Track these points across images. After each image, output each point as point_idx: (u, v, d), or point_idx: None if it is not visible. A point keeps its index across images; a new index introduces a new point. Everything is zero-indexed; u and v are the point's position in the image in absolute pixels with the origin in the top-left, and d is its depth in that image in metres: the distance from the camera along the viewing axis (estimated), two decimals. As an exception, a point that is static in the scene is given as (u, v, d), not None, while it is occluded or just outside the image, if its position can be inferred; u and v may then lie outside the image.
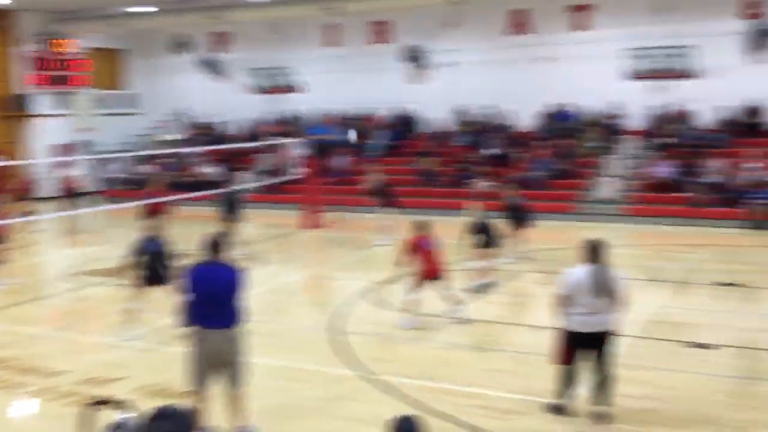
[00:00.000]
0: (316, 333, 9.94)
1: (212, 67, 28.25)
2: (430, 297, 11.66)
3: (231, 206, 15.36)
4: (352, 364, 8.46)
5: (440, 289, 10.17)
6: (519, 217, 14.12)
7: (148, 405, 3.04)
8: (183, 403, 6.16)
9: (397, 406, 7.05)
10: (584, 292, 6.61)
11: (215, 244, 6.40)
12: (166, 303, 11.53)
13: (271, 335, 9.75)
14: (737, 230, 17.55)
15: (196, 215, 19.16)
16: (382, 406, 7.18)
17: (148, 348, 9.33)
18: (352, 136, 21.89)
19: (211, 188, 20.10)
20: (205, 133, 27.94)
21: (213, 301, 6.24)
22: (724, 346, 8.93)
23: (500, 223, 12.86)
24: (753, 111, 20.70)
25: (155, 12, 25.95)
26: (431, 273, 10.03)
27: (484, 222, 12.10)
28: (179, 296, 6.44)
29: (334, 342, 9.35)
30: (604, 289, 6.59)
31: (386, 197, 16.71)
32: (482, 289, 11.76)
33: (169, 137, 28.69)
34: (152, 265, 9.55)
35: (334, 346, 9.18)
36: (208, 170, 25.10)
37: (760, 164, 18.71)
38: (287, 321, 10.85)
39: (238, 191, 14.65)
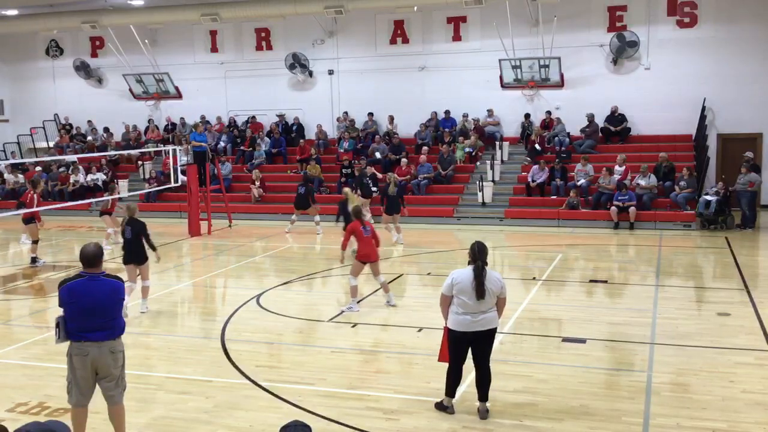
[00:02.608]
0: (203, 342, 9.82)
1: (87, 72, 27.19)
2: (321, 302, 11.76)
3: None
4: (240, 373, 8.43)
5: (376, 274, 11.29)
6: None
7: (23, 423, 2.98)
8: (61, 419, 5.98)
9: (287, 413, 7.09)
10: (467, 292, 6.87)
11: (93, 256, 6.24)
12: (40, 316, 11.07)
13: (155, 347, 9.55)
14: (603, 230, 18.66)
15: (74, 225, 18.44)
16: (271, 413, 7.21)
17: (23, 364, 8.92)
18: (380, 150, 21.96)
19: (89, 197, 19.38)
20: (81, 141, 26.85)
21: (93, 313, 6.07)
22: (594, 339, 9.52)
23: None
24: (618, 118, 22.05)
25: (26, 15, 24.70)
26: (368, 256, 11.05)
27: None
28: (58, 309, 6.23)
29: (222, 351, 9.27)
30: (486, 289, 6.87)
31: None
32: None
33: (42, 145, 27.38)
34: None
35: (221, 355, 9.09)
36: (87, 178, 24.13)
37: (623, 168, 19.95)
38: (172, 331, 10.64)
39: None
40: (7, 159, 25.99)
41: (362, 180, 19.60)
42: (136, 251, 11.00)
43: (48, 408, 7.37)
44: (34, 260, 15.42)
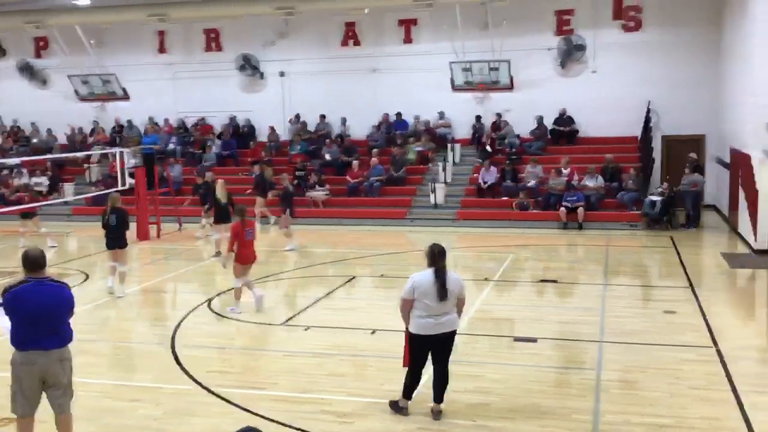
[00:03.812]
0: (152, 348, 9.66)
1: (31, 72, 26.48)
2: (272, 305, 11.66)
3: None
4: (191, 379, 8.31)
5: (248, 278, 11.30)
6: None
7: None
8: (6, 429, 5.82)
9: (239, 418, 7.02)
10: (428, 295, 6.84)
11: (36, 261, 6.07)
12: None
13: (102, 354, 9.36)
14: (553, 231, 18.94)
15: (17, 230, 17.92)
16: (223, 418, 7.13)
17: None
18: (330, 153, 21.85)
19: (32, 201, 18.89)
20: (24, 143, 26.15)
21: (39, 320, 5.91)
22: (545, 338, 9.65)
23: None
24: (564, 120, 22.41)
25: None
26: (249, 258, 11.10)
27: None
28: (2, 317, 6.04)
29: (171, 357, 9.12)
30: (446, 292, 6.86)
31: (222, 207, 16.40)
32: None
33: None
34: None
35: (171, 361, 8.95)
36: (30, 181, 23.49)
37: (571, 169, 20.28)
38: (121, 337, 10.44)
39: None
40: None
41: (263, 181, 20.31)
42: (118, 237, 12.33)
43: (-9, 419, 7.16)
44: None
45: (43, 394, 6.09)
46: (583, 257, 16.40)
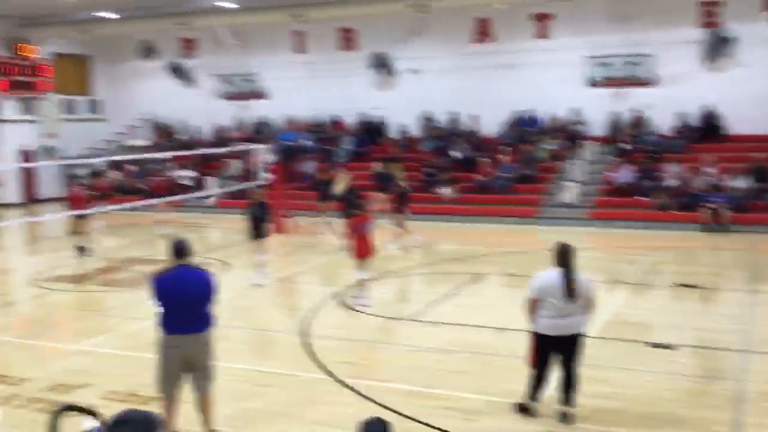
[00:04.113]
0: (285, 337, 10.01)
1: (179, 72, 28.12)
2: (400, 300, 11.80)
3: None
4: (320, 368, 8.55)
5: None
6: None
7: (116, 411, 3.10)
8: (150, 408, 6.22)
9: (364, 409, 7.15)
10: (555, 295, 6.69)
11: (182, 249, 6.42)
12: (133, 308, 11.53)
13: (239, 340, 9.80)
14: (694, 233, 18.00)
15: (166, 220, 19.11)
16: (349, 409, 7.28)
17: (116, 353, 9.32)
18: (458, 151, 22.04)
19: (178, 194, 20.08)
20: (172, 139, 27.79)
21: (184, 306, 6.26)
22: (683, 345, 9.20)
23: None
24: (709, 117, 21.23)
25: (121, 18, 25.78)
26: (366, 252, 11.27)
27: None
28: (152, 301, 6.44)
29: (302, 346, 9.42)
30: (574, 292, 6.68)
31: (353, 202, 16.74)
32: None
33: (135, 143, 28.51)
34: None
35: (301, 350, 9.25)
36: (176, 176, 24.95)
37: (716, 168, 19.21)
38: (255, 325, 10.90)
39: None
40: (103, 157, 27.16)
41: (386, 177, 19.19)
42: (261, 228, 13.17)
43: (139, 396, 7.67)
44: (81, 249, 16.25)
45: (186, 376, 6.46)
46: (728, 262, 15.48)
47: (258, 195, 13.68)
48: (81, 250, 16.18)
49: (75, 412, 4.58)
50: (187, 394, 6.55)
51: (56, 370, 8.65)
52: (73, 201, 16.72)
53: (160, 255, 16.25)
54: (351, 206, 12.31)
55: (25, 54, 26.30)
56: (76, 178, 18.30)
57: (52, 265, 15.63)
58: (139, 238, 19.38)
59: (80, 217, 16.01)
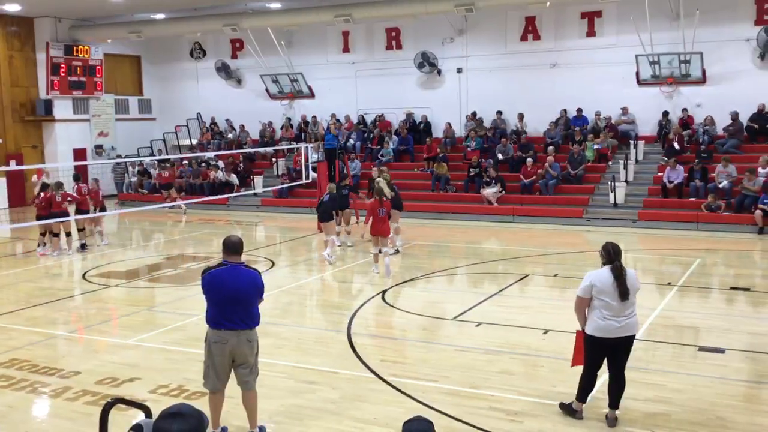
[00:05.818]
0: (330, 335, 10.09)
1: (228, 73, 28.52)
2: (445, 300, 11.78)
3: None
4: (365, 366, 8.59)
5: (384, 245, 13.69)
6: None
7: (165, 405, 3.17)
8: (197, 403, 6.32)
9: (410, 408, 7.17)
10: (607, 294, 6.59)
11: (233, 247, 6.53)
12: (181, 304, 11.74)
13: (285, 337, 9.90)
14: (748, 235, 17.57)
15: (213, 218, 19.41)
16: (394, 407, 7.30)
17: (164, 348, 9.50)
18: (503, 151, 21.70)
19: (227, 192, 20.36)
20: (220, 138, 28.20)
21: (231, 302, 6.36)
22: (734, 349, 9.00)
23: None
24: (765, 116, 20.68)
25: (172, 19, 26.25)
26: (379, 231, 13.56)
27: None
28: (200, 297, 6.55)
29: (348, 344, 9.48)
30: (625, 292, 6.57)
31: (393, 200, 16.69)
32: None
33: (185, 142, 29.02)
34: None
35: (347, 348, 9.31)
36: (224, 174, 25.31)
37: (771, 170, 18.70)
38: (301, 323, 11.00)
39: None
40: (153, 155, 27.70)
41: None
42: (329, 213, 15.32)
43: (187, 391, 7.81)
44: (83, 246, 17.10)
45: (232, 372, 6.56)
46: (781, 265, 15.09)
47: (331, 189, 15.63)
48: (83, 246, 17.07)
49: (126, 406, 4.66)
50: (234, 389, 6.64)
51: (107, 364, 8.86)
52: (83, 199, 17.36)
53: (209, 251, 16.54)
54: (374, 193, 14.23)
55: (78, 55, 26.98)
56: (78, 178, 18.93)
57: (102, 261, 16.01)
58: (186, 235, 19.70)
59: (84, 213, 17.19)
